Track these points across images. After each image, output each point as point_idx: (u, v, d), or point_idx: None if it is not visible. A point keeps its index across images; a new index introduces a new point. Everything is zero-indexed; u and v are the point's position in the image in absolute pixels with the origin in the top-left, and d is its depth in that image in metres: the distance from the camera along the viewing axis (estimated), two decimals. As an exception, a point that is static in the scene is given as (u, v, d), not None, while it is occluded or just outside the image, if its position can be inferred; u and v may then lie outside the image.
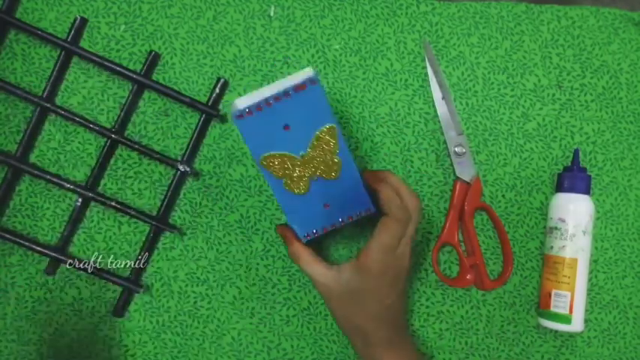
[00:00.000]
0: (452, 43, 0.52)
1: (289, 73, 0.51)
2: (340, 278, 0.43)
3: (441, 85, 0.51)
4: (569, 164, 0.51)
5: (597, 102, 0.53)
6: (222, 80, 0.50)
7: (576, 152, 0.51)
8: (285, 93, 0.39)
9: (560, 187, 0.50)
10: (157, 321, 0.50)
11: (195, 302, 0.50)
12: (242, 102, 0.40)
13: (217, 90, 0.50)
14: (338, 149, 0.42)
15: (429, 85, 0.51)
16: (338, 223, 0.46)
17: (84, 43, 0.50)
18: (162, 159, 0.49)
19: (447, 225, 0.51)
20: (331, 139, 0.42)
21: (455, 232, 0.51)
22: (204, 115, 0.50)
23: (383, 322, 0.44)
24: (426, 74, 0.52)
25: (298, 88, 0.39)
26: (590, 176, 0.50)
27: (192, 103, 0.49)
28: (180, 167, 0.49)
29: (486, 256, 0.52)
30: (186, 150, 0.50)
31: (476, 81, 0.52)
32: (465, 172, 0.51)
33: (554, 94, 0.52)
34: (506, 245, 0.51)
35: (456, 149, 0.51)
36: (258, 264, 0.51)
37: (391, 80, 0.51)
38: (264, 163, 0.42)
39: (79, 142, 0.50)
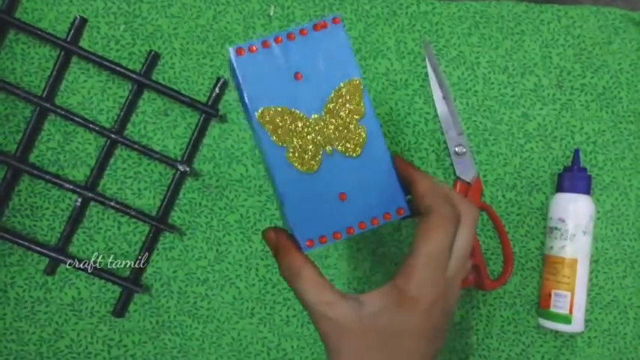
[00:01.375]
0: (452, 43, 0.52)
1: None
2: (361, 313, 0.29)
3: (441, 85, 0.51)
4: (570, 164, 0.51)
5: (597, 102, 0.53)
6: (222, 80, 0.50)
7: (576, 152, 0.50)
8: (301, 30, 0.32)
9: (560, 187, 0.50)
10: (156, 321, 0.50)
11: (194, 302, 0.50)
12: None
13: (217, 90, 0.50)
14: (363, 114, 0.33)
15: (429, 85, 0.51)
16: (356, 227, 0.33)
17: (83, 43, 0.50)
18: (162, 159, 0.49)
19: (447, 225, 0.51)
20: (355, 98, 0.32)
21: None
22: (203, 115, 0.50)
23: None
24: (426, 74, 0.51)
25: (318, 26, 0.32)
26: (590, 176, 0.50)
27: (191, 103, 0.49)
28: (180, 167, 0.49)
29: (487, 257, 0.52)
30: (185, 150, 0.50)
31: (476, 81, 0.52)
32: (466, 172, 0.51)
33: (554, 94, 0.52)
34: (507, 245, 0.51)
35: (457, 149, 0.51)
36: (258, 264, 0.51)
37: (391, 80, 0.51)
38: (263, 119, 0.32)
39: (79, 142, 0.50)
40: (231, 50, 0.31)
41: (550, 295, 0.49)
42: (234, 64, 0.31)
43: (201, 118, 0.50)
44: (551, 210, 0.50)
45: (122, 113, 0.49)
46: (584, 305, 0.49)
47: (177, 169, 0.49)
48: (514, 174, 0.52)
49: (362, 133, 0.32)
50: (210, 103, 0.50)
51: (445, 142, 0.51)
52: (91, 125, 0.48)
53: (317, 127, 0.32)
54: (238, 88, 0.32)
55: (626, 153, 0.53)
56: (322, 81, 0.32)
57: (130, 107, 0.50)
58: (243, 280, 0.51)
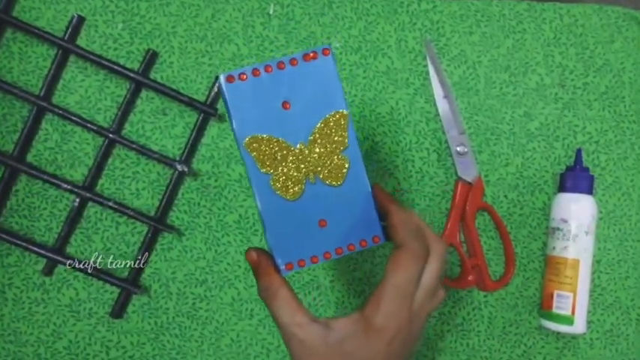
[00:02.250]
0: (453, 42, 0.51)
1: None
2: (329, 337, 0.31)
3: (442, 84, 0.51)
4: (572, 164, 0.51)
5: (600, 101, 0.52)
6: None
7: (579, 152, 0.50)
8: (291, 60, 0.32)
9: (562, 187, 0.50)
10: (155, 322, 0.50)
11: (193, 303, 0.50)
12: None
13: (216, 89, 0.49)
14: (347, 145, 0.34)
15: (431, 84, 0.51)
16: (333, 252, 0.34)
17: (81, 42, 0.49)
18: (161, 159, 0.48)
19: (449, 225, 0.50)
20: (341, 130, 0.33)
21: (456, 233, 0.50)
22: (202, 115, 0.49)
23: None
24: (427, 73, 0.51)
25: (308, 57, 0.32)
26: (592, 176, 0.49)
27: (190, 102, 0.49)
28: (179, 167, 0.48)
29: (488, 257, 0.51)
30: (184, 150, 0.49)
31: (477, 80, 0.51)
32: (467, 172, 0.50)
33: (556, 93, 0.52)
34: (509, 246, 0.50)
35: (458, 149, 0.50)
36: (257, 265, 0.50)
37: (392, 79, 0.51)
38: (249, 147, 0.33)
39: (77, 142, 0.49)
40: (222, 77, 0.32)
41: (552, 296, 0.49)
42: (225, 92, 0.32)
43: (200, 118, 0.49)
44: (554, 210, 0.50)
45: (120, 112, 0.49)
46: (586, 306, 0.48)
47: (176, 169, 0.49)
48: (516, 174, 0.52)
49: (345, 164, 0.34)
50: (208, 103, 0.49)
51: (446, 142, 0.51)
52: (88, 125, 0.48)
53: (301, 157, 0.33)
54: (228, 114, 0.33)
55: (628, 153, 0.52)
56: (309, 111, 0.33)
57: (127, 106, 0.49)
58: (242, 281, 0.50)
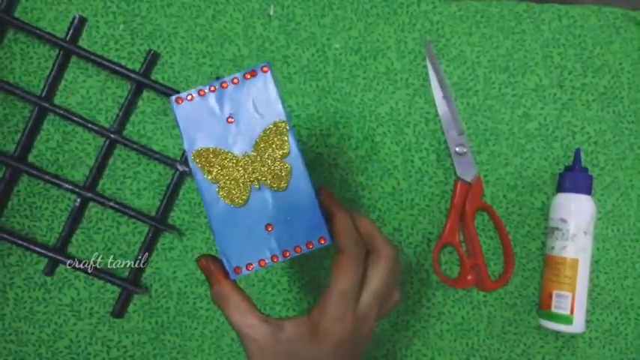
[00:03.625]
0: (453, 42, 0.52)
1: (289, 73, 0.51)
2: (278, 336, 0.33)
3: (441, 85, 0.51)
4: (571, 164, 0.51)
5: (599, 101, 0.52)
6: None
7: (577, 152, 0.50)
8: (233, 79, 0.35)
9: (561, 187, 0.50)
10: (155, 322, 0.50)
11: (194, 303, 0.50)
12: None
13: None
14: (288, 152, 0.36)
15: (430, 85, 0.51)
16: (281, 255, 0.36)
17: (82, 43, 0.49)
18: (162, 159, 0.49)
19: (448, 225, 0.50)
20: (282, 138, 0.36)
21: (456, 233, 0.50)
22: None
23: None
24: (427, 73, 0.51)
25: (248, 74, 0.35)
26: (591, 176, 0.50)
27: None
28: (180, 167, 0.49)
29: (487, 257, 0.52)
30: (185, 150, 0.49)
31: (477, 80, 0.52)
32: (466, 172, 0.51)
33: (555, 94, 0.52)
34: (508, 246, 0.51)
35: (457, 149, 0.51)
36: (257, 264, 0.51)
37: (392, 79, 0.51)
38: (198, 159, 0.35)
39: (78, 142, 0.50)
40: (172, 99, 0.35)
41: (551, 296, 0.49)
42: (175, 112, 0.35)
43: None
44: (552, 210, 0.50)
45: (121, 113, 0.49)
46: (585, 306, 0.49)
47: (177, 169, 0.49)
48: (515, 174, 0.52)
49: (287, 169, 0.36)
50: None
51: (446, 142, 0.51)
52: (90, 125, 0.48)
53: (246, 165, 0.36)
54: (179, 132, 0.36)
55: (627, 153, 0.52)
56: (252, 123, 0.36)
57: (129, 107, 0.49)
58: (243, 281, 0.50)
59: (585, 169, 0.50)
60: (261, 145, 0.36)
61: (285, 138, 0.36)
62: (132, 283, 0.49)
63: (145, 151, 0.49)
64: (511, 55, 0.52)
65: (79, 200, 0.49)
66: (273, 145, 0.36)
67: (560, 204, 0.49)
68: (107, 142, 0.49)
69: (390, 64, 0.51)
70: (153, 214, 0.50)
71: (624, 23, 0.53)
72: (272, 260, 0.36)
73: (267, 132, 0.36)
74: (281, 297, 0.51)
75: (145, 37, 0.50)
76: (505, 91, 0.52)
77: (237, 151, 0.36)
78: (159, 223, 0.49)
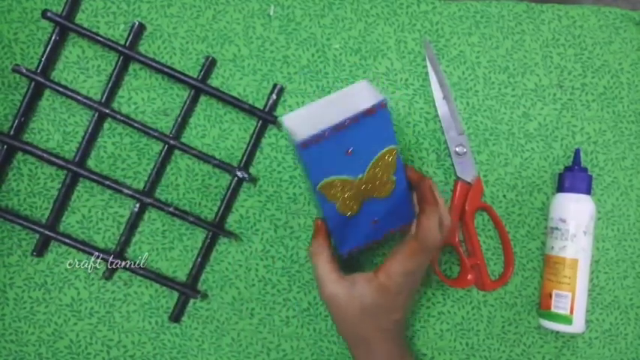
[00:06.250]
0: (452, 43, 0.52)
1: (289, 73, 0.51)
2: (353, 290, 0.42)
3: (441, 85, 0.51)
4: (570, 164, 0.51)
5: (598, 102, 0.53)
6: (278, 86, 0.50)
7: (577, 152, 0.50)
8: (354, 119, 0.37)
9: (561, 187, 0.50)
10: (155, 322, 0.50)
11: (194, 303, 0.50)
12: (292, 120, 0.38)
13: (274, 96, 0.50)
14: (395, 170, 0.42)
15: (430, 85, 0.51)
16: (381, 237, 0.45)
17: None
18: (221, 165, 0.49)
19: (448, 225, 0.50)
20: (391, 160, 0.41)
21: (456, 233, 0.50)
22: (260, 121, 0.49)
23: (389, 335, 0.44)
24: (427, 74, 0.51)
25: (368, 112, 0.38)
26: (591, 176, 0.50)
27: (251, 109, 0.49)
28: (239, 173, 0.49)
29: (487, 257, 0.52)
30: (242, 156, 0.50)
31: (476, 80, 0.52)
32: (466, 172, 0.51)
33: (555, 94, 0.52)
34: (507, 245, 0.51)
35: (457, 149, 0.51)
36: (257, 264, 0.51)
37: (391, 80, 0.51)
38: (323, 189, 0.40)
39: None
40: (297, 145, 0.37)
41: (551, 296, 0.49)
42: (302, 155, 0.38)
43: (258, 125, 0.50)
44: (552, 210, 0.50)
45: (180, 118, 0.49)
46: (584, 306, 0.49)
47: (235, 175, 0.49)
48: (514, 174, 0.52)
49: (393, 183, 0.42)
50: (267, 110, 0.50)
51: (446, 142, 0.51)
52: (150, 131, 0.48)
53: (360, 185, 0.41)
54: (305, 168, 0.40)
55: (627, 153, 0.53)
56: (368, 151, 0.40)
57: (187, 112, 0.49)
58: (243, 281, 0.51)
59: (585, 169, 0.50)
60: (374, 167, 0.41)
61: (394, 160, 0.41)
62: (190, 288, 0.49)
63: (204, 157, 0.49)
64: (511, 55, 0.52)
65: (137, 205, 0.49)
66: (385, 167, 0.41)
67: (559, 204, 0.50)
68: (166, 147, 0.49)
69: (390, 65, 0.51)
70: (204, 217, 0.49)
71: (623, 23, 0.53)
72: (372, 242, 0.46)
73: (380, 156, 0.40)
74: (281, 297, 0.51)
75: (145, 37, 0.50)
76: (505, 92, 0.52)
77: (353, 175, 0.40)
78: (217, 229, 0.49)
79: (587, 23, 0.53)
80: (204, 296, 0.50)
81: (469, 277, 0.50)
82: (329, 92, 0.51)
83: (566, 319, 0.48)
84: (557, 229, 0.49)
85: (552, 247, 0.49)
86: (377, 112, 0.38)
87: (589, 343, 0.52)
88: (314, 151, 0.38)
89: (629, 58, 0.53)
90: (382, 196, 0.43)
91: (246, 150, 0.50)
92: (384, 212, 0.44)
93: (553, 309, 0.48)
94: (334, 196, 0.41)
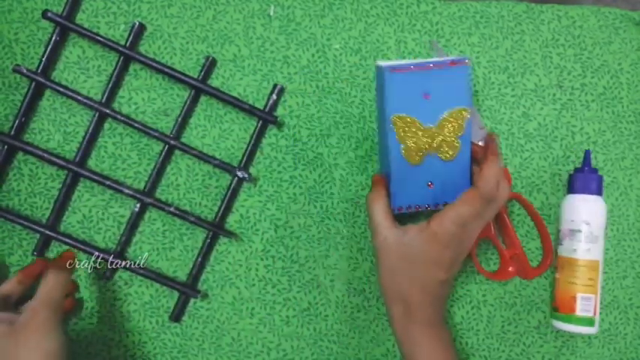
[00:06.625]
0: (452, 43, 0.52)
1: (289, 74, 0.51)
2: (403, 237, 0.42)
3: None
4: (580, 165, 0.50)
5: (598, 102, 0.53)
6: (279, 86, 0.50)
7: (587, 153, 0.50)
8: (441, 64, 0.41)
9: (579, 189, 0.49)
10: (156, 321, 0.50)
11: (194, 302, 0.50)
12: (383, 62, 0.42)
13: (275, 96, 0.50)
14: (462, 133, 0.43)
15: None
16: (433, 205, 0.46)
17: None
18: (222, 165, 0.49)
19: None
20: (461, 121, 0.43)
21: (491, 226, 0.50)
22: (261, 122, 0.49)
23: (431, 298, 0.43)
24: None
25: (453, 63, 0.42)
26: (602, 176, 0.50)
27: (251, 110, 0.49)
28: (239, 173, 0.49)
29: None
30: (243, 156, 0.50)
31: (476, 80, 0.52)
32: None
33: (554, 94, 0.52)
34: (544, 231, 0.49)
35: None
36: (257, 264, 0.51)
37: (391, 80, 0.51)
38: (394, 123, 0.43)
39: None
40: (385, 67, 0.41)
41: (575, 299, 0.48)
42: (385, 79, 0.42)
43: (258, 124, 0.50)
44: (569, 212, 0.49)
45: (180, 118, 0.49)
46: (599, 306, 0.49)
47: (236, 175, 0.49)
48: (514, 174, 0.52)
49: (458, 146, 0.44)
50: (267, 110, 0.50)
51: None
52: (150, 131, 0.48)
53: (428, 135, 0.43)
54: (381, 94, 0.44)
55: (626, 153, 0.53)
56: (442, 103, 0.42)
57: (188, 111, 0.49)
58: (243, 280, 0.51)
59: (596, 170, 0.50)
60: (444, 122, 0.43)
61: (464, 123, 0.43)
62: (190, 288, 0.49)
63: (205, 157, 0.49)
64: (510, 55, 0.52)
65: (138, 205, 0.49)
66: (455, 126, 0.43)
67: (579, 206, 0.49)
68: (166, 147, 0.49)
69: (390, 65, 0.51)
70: (204, 217, 0.49)
71: (623, 24, 0.53)
72: (425, 207, 0.46)
73: (453, 114, 0.43)
74: (281, 297, 0.51)
75: (145, 37, 0.50)
76: (504, 92, 0.52)
77: (424, 122, 0.43)
78: (218, 229, 0.49)
79: (586, 23, 0.53)
80: (205, 296, 0.50)
81: (510, 268, 0.49)
82: (329, 92, 0.51)
83: (590, 322, 0.48)
84: (578, 231, 0.49)
85: (574, 250, 0.49)
86: (460, 66, 0.42)
87: (588, 342, 0.52)
88: (398, 78, 0.41)
89: (628, 58, 0.53)
90: (444, 158, 0.44)
91: (246, 150, 0.50)
92: (441, 177, 0.44)
93: (578, 312, 0.48)
94: (402, 137, 0.43)
